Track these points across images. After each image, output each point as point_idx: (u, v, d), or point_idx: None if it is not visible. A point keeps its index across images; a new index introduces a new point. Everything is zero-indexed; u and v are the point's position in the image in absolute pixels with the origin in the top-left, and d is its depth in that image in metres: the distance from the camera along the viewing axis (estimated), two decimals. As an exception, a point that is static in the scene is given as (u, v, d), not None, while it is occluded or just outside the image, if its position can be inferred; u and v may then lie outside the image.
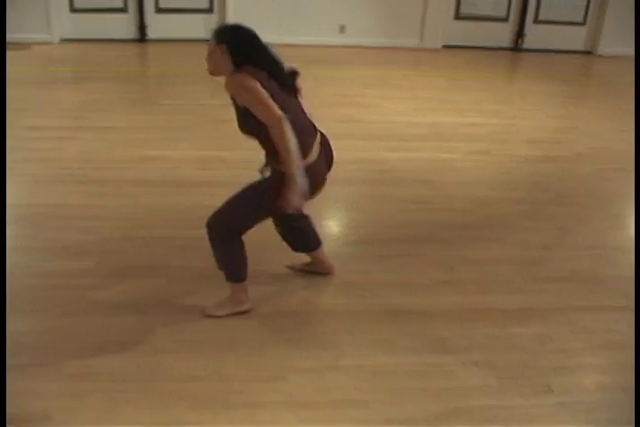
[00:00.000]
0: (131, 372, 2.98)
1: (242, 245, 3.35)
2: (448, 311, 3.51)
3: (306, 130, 3.23)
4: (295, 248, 3.74)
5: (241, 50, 3.11)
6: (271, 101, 2.96)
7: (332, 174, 5.30)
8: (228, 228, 3.31)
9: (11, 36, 9.60)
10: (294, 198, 3.07)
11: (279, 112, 2.95)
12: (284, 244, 3.74)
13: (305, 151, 3.13)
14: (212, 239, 3.34)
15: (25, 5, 9.65)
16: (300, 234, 3.70)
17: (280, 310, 3.47)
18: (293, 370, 3.00)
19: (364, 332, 3.29)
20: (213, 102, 7.24)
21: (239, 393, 2.85)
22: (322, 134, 3.44)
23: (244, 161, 5.43)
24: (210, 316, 3.38)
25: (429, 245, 4.22)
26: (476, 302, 3.60)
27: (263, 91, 2.98)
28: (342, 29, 10.09)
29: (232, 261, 3.39)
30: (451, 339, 3.26)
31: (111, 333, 3.25)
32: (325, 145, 3.44)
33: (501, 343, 3.24)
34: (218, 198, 4.70)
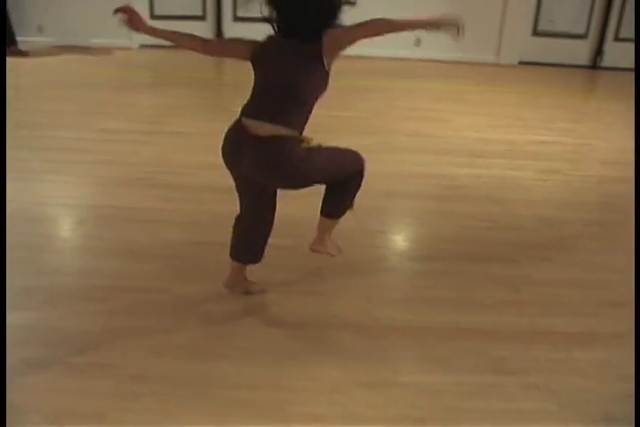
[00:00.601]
0: (188, 376, 3.01)
1: None
2: (510, 332, 3.46)
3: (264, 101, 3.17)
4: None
5: None
6: None
7: (399, 188, 5.33)
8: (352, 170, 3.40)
9: (92, 40, 9.85)
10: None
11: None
12: (351, 259, 3.75)
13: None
14: (352, 182, 3.42)
15: (108, 12, 9.84)
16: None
17: (341, 322, 3.47)
18: (351, 383, 3.00)
19: (423, 348, 3.26)
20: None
21: (295, 404, 2.86)
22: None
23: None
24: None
25: (494, 263, 4.18)
26: (539, 324, 3.54)
27: None
28: (418, 43, 10.06)
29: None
30: (511, 360, 3.22)
31: (171, 336, 3.29)
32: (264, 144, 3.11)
33: (562, 367, 3.18)
34: (287, 207, 4.75)
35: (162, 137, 6.28)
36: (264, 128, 3.07)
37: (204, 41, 3.27)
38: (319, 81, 3.09)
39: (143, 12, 9.98)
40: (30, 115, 6.91)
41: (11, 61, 8.98)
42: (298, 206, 4.79)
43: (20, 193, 4.88)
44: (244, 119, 3.15)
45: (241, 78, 8.89)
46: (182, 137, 6.32)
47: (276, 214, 4.14)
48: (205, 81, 8.84)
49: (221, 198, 4.87)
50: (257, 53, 3.11)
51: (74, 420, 2.74)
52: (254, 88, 3.20)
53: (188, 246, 4.19)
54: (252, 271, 3.67)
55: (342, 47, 2.99)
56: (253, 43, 3.13)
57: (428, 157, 6.08)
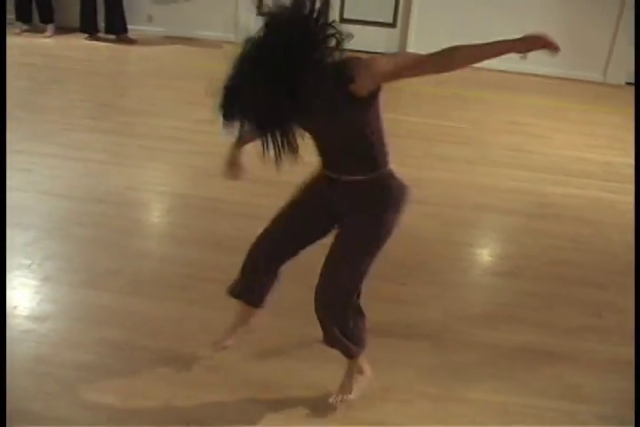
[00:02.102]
0: (259, 373, 3.03)
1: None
2: (588, 359, 3.36)
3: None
4: None
5: None
6: None
7: (490, 202, 5.25)
8: (353, 292, 2.78)
9: (199, 33, 9.99)
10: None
11: None
12: (435, 270, 3.70)
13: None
14: (338, 316, 2.73)
15: (217, 6, 9.98)
16: None
17: (417, 333, 3.43)
18: (421, 395, 2.96)
19: (497, 367, 3.20)
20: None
21: (360, 409, 2.84)
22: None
23: (407, 178, 5.43)
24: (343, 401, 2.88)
25: (580, 287, 4.06)
26: (620, 354, 3.42)
27: None
28: (523, 56, 9.87)
29: (361, 331, 2.82)
30: (587, 388, 3.13)
31: (247, 331, 3.29)
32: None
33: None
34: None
35: (258, 132, 6.31)
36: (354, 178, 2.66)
37: None
38: (362, 117, 2.53)
39: (251, 7, 10.09)
40: (132, 101, 7.04)
41: (119, 48, 9.21)
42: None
43: (114, 177, 4.98)
44: (329, 173, 2.74)
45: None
46: (278, 134, 6.34)
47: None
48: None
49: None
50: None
51: (142, 403, 2.78)
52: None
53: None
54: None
55: (375, 83, 2.42)
56: None
57: (522, 172, 5.96)
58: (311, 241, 2.90)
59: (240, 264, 3.31)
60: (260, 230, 4.27)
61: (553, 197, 5.49)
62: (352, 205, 2.67)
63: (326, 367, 3.04)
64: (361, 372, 2.90)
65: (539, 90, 9.42)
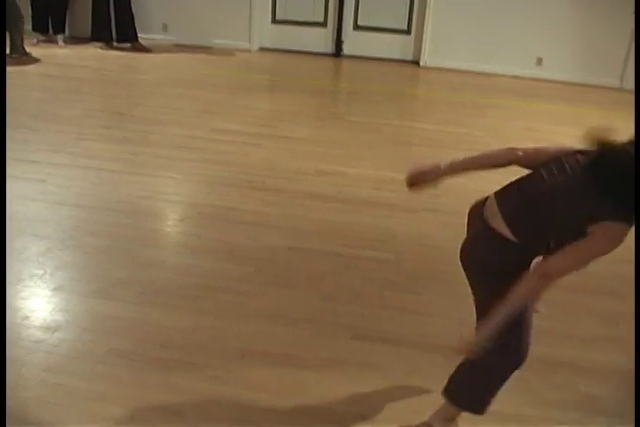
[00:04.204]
0: (270, 383, 2.99)
1: None
2: (605, 370, 3.29)
3: None
4: None
5: None
6: None
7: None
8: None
9: (213, 41, 10.00)
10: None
11: None
12: (450, 279, 3.63)
13: None
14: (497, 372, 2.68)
15: (231, 14, 10.00)
16: None
17: (430, 343, 3.38)
18: (433, 406, 2.91)
19: (512, 378, 3.13)
20: (397, 123, 7.24)
21: (371, 419, 2.81)
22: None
23: (421, 186, 5.40)
24: None
25: (596, 296, 3.99)
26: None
27: None
28: (539, 62, 9.83)
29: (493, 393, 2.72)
30: (603, 400, 3.07)
31: (258, 341, 3.28)
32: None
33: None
34: (389, 221, 4.69)
35: (272, 141, 6.29)
36: None
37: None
38: None
39: (265, 16, 10.13)
40: (147, 110, 7.04)
41: (133, 57, 9.25)
42: (401, 220, 4.74)
43: (127, 186, 4.97)
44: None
45: (356, 87, 8.90)
46: (292, 142, 6.32)
47: (379, 227, 4.08)
48: (321, 87, 8.84)
49: (326, 207, 4.87)
50: None
51: (152, 415, 2.75)
52: None
53: (285, 252, 4.17)
54: (346, 280, 3.60)
55: None
56: None
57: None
58: None
59: (251, 274, 3.29)
60: (270, 239, 4.28)
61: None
62: None
63: (333, 377, 3.02)
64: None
65: (555, 96, 9.36)
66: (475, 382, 2.70)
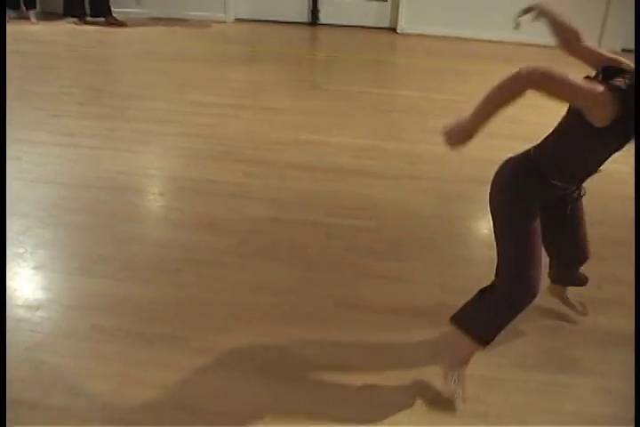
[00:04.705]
0: (255, 353, 2.99)
1: None
2: (588, 332, 3.30)
3: None
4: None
5: None
6: None
7: (487, 174, 5.16)
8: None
9: (188, 13, 9.91)
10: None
11: None
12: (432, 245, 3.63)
13: None
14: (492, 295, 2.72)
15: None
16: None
17: (415, 309, 3.38)
18: (421, 373, 2.91)
19: (495, 341, 3.11)
20: (377, 91, 7.20)
21: (359, 388, 2.81)
22: None
23: (402, 153, 5.39)
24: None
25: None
26: (620, 326, 3.36)
27: None
28: (517, 26, 9.76)
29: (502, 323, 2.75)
30: (586, 361, 3.08)
31: (241, 312, 3.27)
32: None
33: (640, 372, 3.04)
34: (370, 188, 4.68)
35: (251, 112, 6.25)
36: None
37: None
38: None
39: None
40: (123, 85, 6.98)
41: (108, 32, 9.15)
42: (381, 188, 4.73)
43: (106, 162, 4.93)
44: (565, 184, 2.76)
45: (334, 55, 8.84)
46: (271, 113, 6.28)
47: (360, 195, 4.05)
48: (298, 57, 8.78)
49: (307, 176, 4.85)
50: None
51: (137, 389, 2.74)
52: None
53: (267, 223, 4.15)
54: (328, 250, 3.60)
55: None
56: None
57: (521, 143, 5.78)
58: None
59: (233, 246, 3.27)
60: (251, 210, 4.26)
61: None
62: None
63: (318, 345, 3.03)
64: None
65: (535, 60, 9.30)
66: (485, 309, 2.74)
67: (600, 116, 2.26)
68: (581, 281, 3.29)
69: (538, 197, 2.67)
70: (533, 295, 2.58)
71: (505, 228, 2.69)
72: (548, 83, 2.27)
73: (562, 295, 3.41)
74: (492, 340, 2.76)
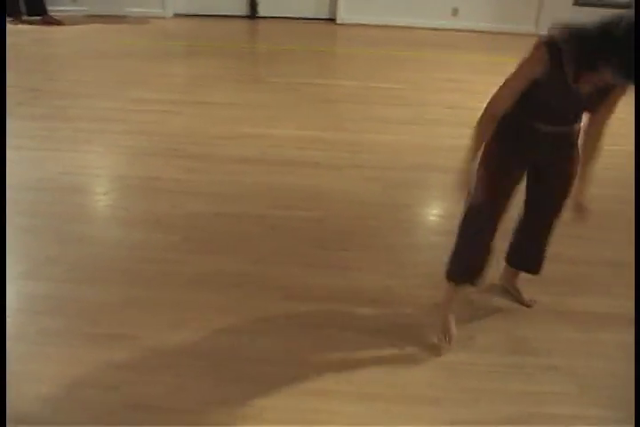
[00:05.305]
0: (205, 349, 2.99)
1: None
2: (533, 311, 3.38)
3: None
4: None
5: None
6: None
7: (430, 161, 5.24)
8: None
9: (126, 9, 9.82)
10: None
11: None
12: (377, 233, 3.66)
13: None
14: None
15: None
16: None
17: (362, 298, 3.41)
18: (370, 361, 2.95)
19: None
20: (319, 82, 7.23)
21: (309, 379, 2.83)
22: None
23: (346, 143, 5.42)
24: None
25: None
26: (564, 304, 3.45)
27: None
28: (455, 12, 9.87)
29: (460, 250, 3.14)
30: (533, 340, 3.15)
31: (190, 309, 3.27)
32: None
33: (585, 349, 3.11)
34: (315, 179, 4.71)
35: (192, 107, 6.24)
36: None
37: None
38: None
39: None
40: (63, 84, 6.91)
41: (45, 30, 9.04)
42: (326, 178, 4.76)
43: (49, 163, 4.88)
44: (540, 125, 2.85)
45: (274, 48, 8.83)
46: (213, 107, 6.27)
47: (304, 186, 4.09)
48: (239, 50, 8.77)
49: (251, 169, 4.86)
50: None
51: (88, 391, 2.74)
52: None
53: (211, 218, 4.16)
54: (274, 242, 3.61)
55: None
56: None
57: (463, 129, 5.84)
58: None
59: (178, 242, 3.26)
60: (194, 206, 4.26)
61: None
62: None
63: (267, 338, 3.05)
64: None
65: (474, 46, 9.45)
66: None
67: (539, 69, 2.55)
68: (533, 268, 3.38)
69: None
70: (480, 219, 2.98)
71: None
72: (495, 99, 2.73)
73: (512, 282, 3.48)
74: (453, 273, 3.13)
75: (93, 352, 2.94)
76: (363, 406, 2.70)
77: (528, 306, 3.42)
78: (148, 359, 2.91)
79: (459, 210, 4.40)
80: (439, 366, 2.95)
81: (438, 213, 4.58)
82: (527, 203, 3.14)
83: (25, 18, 9.22)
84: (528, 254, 3.36)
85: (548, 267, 3.70)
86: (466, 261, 3.10)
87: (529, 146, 2.84)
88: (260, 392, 2.75)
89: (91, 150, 5.20)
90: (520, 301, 3.44)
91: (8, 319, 3.17)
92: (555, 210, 3.10)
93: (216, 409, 2.68)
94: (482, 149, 2.88)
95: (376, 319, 3.25)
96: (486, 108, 2.73)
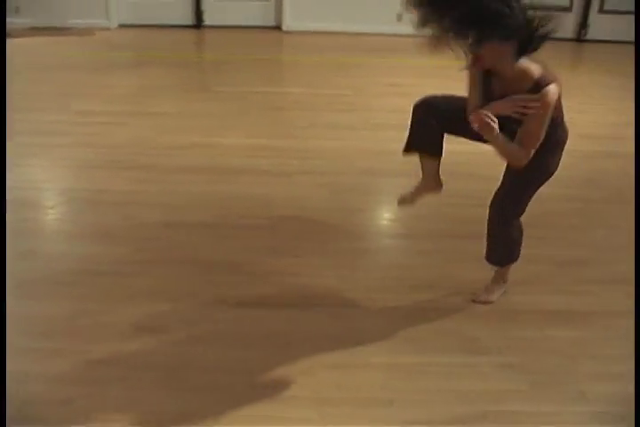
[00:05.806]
0: (159, 360, 2.97)
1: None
2: (484, 311, 3.41)
3: None
4: None
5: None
6: None
7: (379, 166, 5.26)
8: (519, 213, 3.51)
9: (70, 21, 9.74)
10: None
11: None
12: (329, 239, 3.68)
13: None
14: (504, 229, 3.49)
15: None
16: None
17: (314, 304, 3.42)
18: (324, 366, 2.95)
19: (396, 329, 3.21)
20: (266, 90, 7.23)
21: (265, 386, 2.82)
22: None
23: (294, 150, 5.42)
24: (486, 302, 3.47)
25: (473, 241, 4.07)
26: (515, 302, 3.49)
27: None
28: (399, 18, 9.93)
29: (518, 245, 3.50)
30: (485, 340, 3.18)
31: (143, 320, 3.24)
32: None
33: (537, 346, 3.14)
34: (264, 187, 4.70)
35: (139, 118, 6.19)
36: None
37: None
38: None
39: None
40: (7, 98, 6.80)
41: (-13, 44, 8.89)
42: (275, 186, 4.76)
43: (-8, 177, 4.81)
44: None
45: (221, 57, 8.81)
46: (160, 117, 6.23)
47: (255, 194, 4.07)
48: (186, 60, 8.73)
49: (200, 179, 4.85)
50: None
51: (40, 407, 2.69)
52: None
53: (161, 228, 4.13)
54: (226, 251, 3.60)
55: None
56: None
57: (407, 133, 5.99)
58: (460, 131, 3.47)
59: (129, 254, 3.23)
60: (145, 217, 4.23)
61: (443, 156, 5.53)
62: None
63: (219, 348, 3.03)
64: (505, 281, 3.52)
65: (418, 50, 9.48)
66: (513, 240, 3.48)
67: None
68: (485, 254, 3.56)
69: None
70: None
71: None
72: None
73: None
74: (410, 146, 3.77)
75: (44, 367, 2.89)
76: (316, 410, 2.70)
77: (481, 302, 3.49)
78: (100, 373, 2.88)
79: (408, 214, 4.45)
80: (393, 368, 2.96)
81: (389, 217, 4.60)
82: None
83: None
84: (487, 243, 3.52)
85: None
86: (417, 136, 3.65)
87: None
88: (215, 401, 2.73)
89: (36, 164, 5.13)
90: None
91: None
92: (495, 200, 3.48)
93: (171, 421, 2.65)
94: None
95: (329, 324, 3.25)
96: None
